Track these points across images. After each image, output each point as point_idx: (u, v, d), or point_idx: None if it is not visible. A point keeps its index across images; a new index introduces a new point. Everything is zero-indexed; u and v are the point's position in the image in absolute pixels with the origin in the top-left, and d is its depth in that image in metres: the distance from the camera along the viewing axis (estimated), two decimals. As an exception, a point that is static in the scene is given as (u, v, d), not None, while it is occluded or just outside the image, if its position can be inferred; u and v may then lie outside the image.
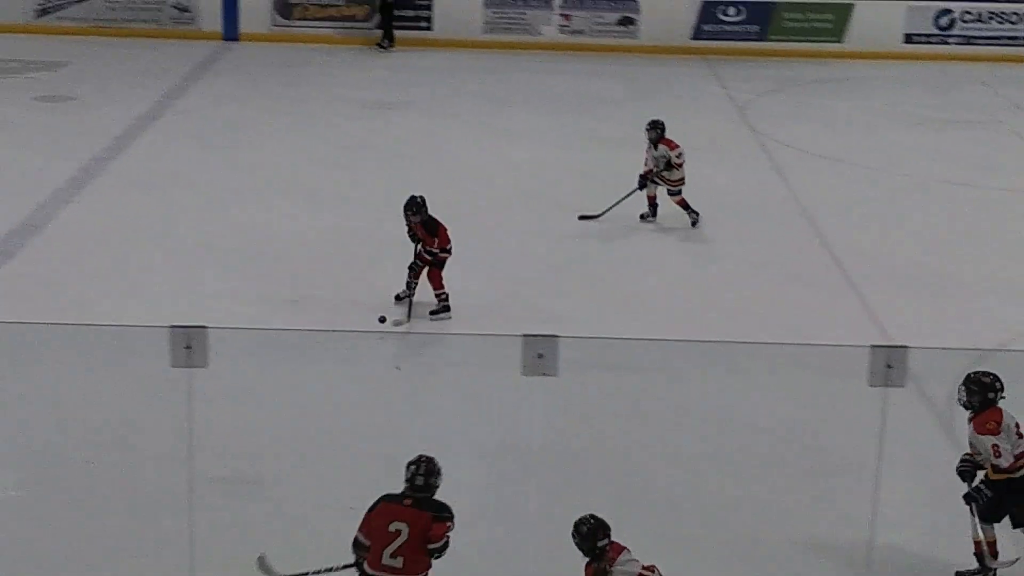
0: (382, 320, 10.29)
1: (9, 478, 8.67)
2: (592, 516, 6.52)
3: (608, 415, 9.39)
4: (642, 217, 13.61)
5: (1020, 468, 7.52)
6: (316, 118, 17.94)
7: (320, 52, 22.17)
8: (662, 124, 13.43)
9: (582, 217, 13.40)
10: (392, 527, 6.48)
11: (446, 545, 6.53)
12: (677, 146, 13.35)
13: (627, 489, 8.47)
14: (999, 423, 7.51)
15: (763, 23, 23.15)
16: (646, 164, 13.45)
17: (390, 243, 12.58)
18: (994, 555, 7.63)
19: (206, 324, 6.73)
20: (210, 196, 14.19)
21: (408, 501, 6.58)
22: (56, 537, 7.84)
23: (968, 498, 7.57)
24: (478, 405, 9.12)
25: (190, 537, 7.23)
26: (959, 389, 7.64)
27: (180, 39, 22.06)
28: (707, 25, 23.14)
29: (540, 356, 6.61)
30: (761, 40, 23.14)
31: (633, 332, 10.49)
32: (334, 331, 9.91)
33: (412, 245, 10.97)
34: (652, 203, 13.62)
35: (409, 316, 10.63)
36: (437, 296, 10.94)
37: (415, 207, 10.92)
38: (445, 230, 10.94)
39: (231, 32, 22.62)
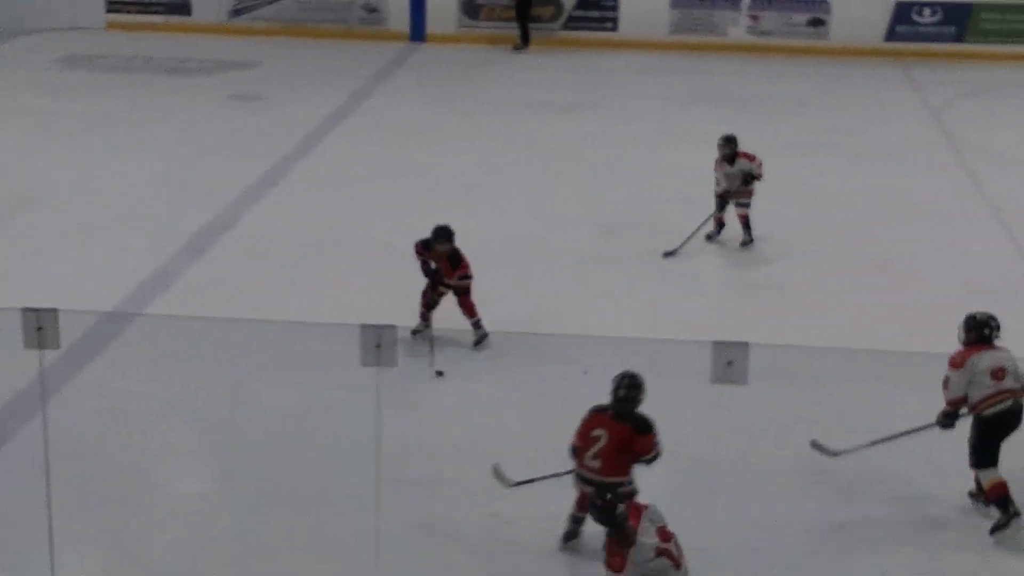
0: (440, 374, 9.75)
1: (203, 472, 8.83)
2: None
3: (795, 425, 9.14)
4: (708, 237, 12.76)
5: (986, 408, 7.87)
6: (500, 120, 17.97)
7: (506, 53, 22.24)
8: (735, 139, 12.70)
9: (666, 254, 12.39)
10: (594, 433, 7.38)
11: (658, 455, 7.37)
12: (756, 157, 12.68)
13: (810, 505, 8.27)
14: (965, 358, 7.94)
15: (960, 24, 22.44)
16: (718, 183, 12.67)
17: (568, 249, 12.57)
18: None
19: (394, 324, 6.74)
20: (394, 197, 14.29)
21: (610, 412, 7.40)
22: (243, 530, 7.96)
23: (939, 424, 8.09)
24: (664, 411, 8.96)
25: (376, 533, 7.26)
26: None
27: (368, 39, 22.35)
28: (901, 26, 22.52)
29: (730, 363, 6.47)
30: (958, 42, 22.44)
31: (818, 342, 10.22)
32: (514, 332, 9.87)
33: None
34: (721, 223, 12.84)
35: (432, 351, 10.05)
36: (474, 324, 10.36)
37: (447, 236, 10.29)
38: (466, 259, 10.41)
39: (418, 32, 22.83)
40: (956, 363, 7.96)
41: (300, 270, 12.15)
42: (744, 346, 6.43)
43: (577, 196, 14.39)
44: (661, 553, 6.57)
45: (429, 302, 10.44)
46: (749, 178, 12.57)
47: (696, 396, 7.49)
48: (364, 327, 6.84)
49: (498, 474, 7.95)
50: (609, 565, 6.59)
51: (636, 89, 19.88)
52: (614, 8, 22.89)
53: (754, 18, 22.79)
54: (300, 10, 23.29)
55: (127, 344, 10.34)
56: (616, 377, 7.43)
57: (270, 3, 23.24)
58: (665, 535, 6.64)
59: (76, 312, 9.05)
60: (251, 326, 10.04)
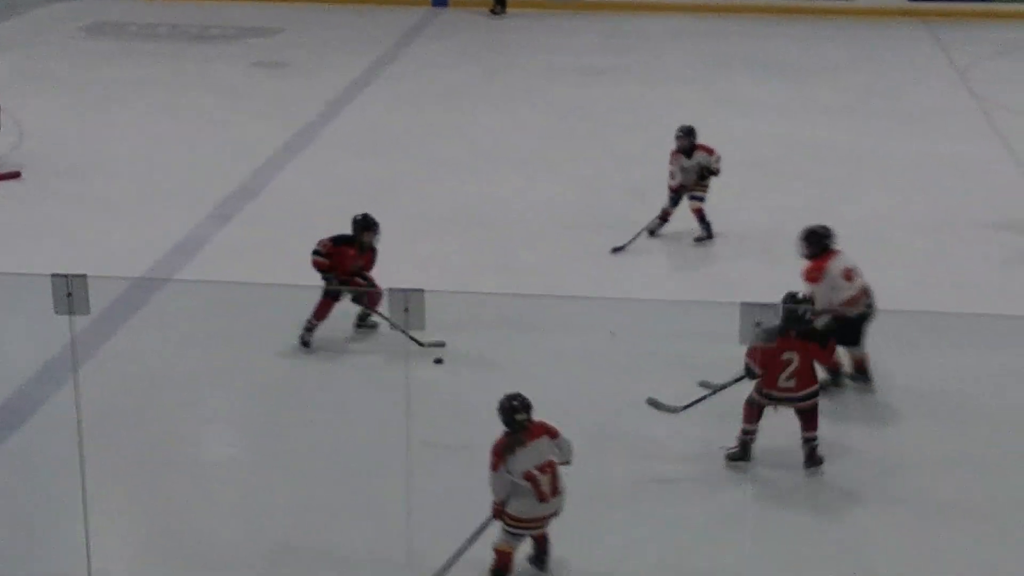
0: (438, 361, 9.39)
1: (233, 437, 8.88)
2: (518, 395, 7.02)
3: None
4: (651, 232, 11.96)
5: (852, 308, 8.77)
6: (526, 84, 17.92)
7: (531, 17, 22.15)
8: (694, 130, 11.80)
9: (615, 250, 11.73)
10: (784, 356, 7.83)
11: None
12: (714, 151, 11.80)
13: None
14: (821, 269, 8.81)
15: (986, -17, 22.27)
16: (673, 176, 11.79)
17: (601, 213, 12.55)
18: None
19: (422, 288, 6.75)
20: (420, 162, 14.29)
21: (794, 334, 7.81)
22: (274, 495, 8.00)
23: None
24: (692, 372, 8.99)
25: (407, 502, 7.28)
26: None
27: (391, 5, 22.30)
28: (927, -13, 22.37)
29: (758, 324, 6.46)
30: (985, 1, 22.24)
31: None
32: (547, 296, 9.87)
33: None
34: (665, 217, 11.96)
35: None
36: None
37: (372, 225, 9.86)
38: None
39: (441, -1, 22.78)
40: (814, 277, 8.85)
41: (327, 235, 12.13)
42: (773, 307, 6.41)
43: (609, 161, 14.35)
44: None
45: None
46: (706, 172, 11.80)
47: (725, 357, 7.49)
48: (392, 291, 6.85)
49: (657, 404, 8.30)
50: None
51: (666, 53, 19.77)
52: (642, -30, 22.77)
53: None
54: (323, -24, 23.22)
55: (156, 309, 10.38)
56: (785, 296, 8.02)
57: (293, -31, 23.20)
58: None
59: (105, 278, 9.14)
60: (278, 291, 10.07)
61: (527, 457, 6.89)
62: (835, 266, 8.91)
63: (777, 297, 7.99)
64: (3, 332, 10.07)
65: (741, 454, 8.14)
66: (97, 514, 7.25)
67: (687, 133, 11.82)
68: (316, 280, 9.79)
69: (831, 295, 8.83)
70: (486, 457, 6.92)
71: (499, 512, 6.99)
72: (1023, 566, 7.28)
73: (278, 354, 9.76)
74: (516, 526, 6.99)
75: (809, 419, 8.02)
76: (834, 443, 8.28)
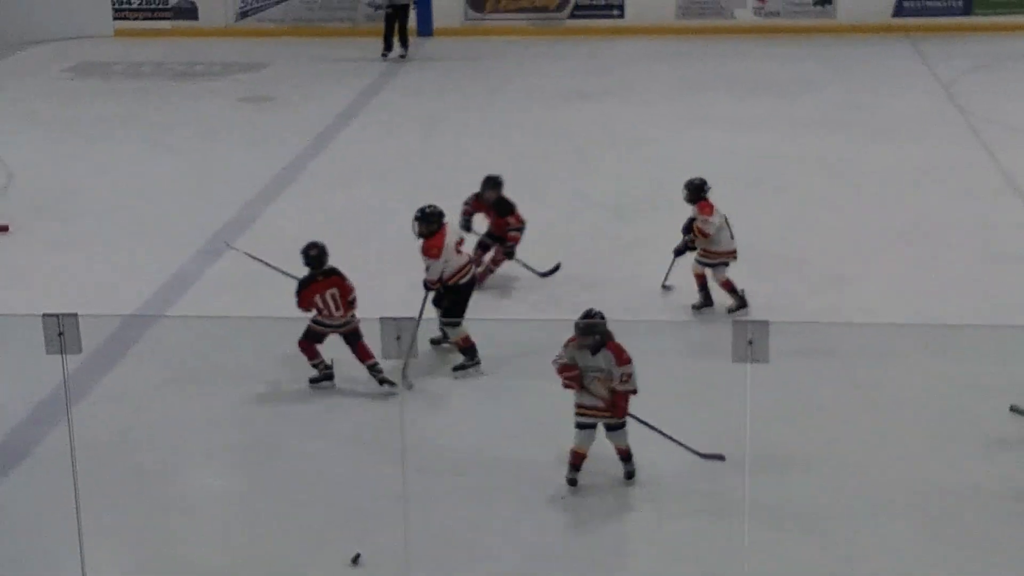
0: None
1: (228, 472, 8.87)
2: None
3: (819, 403, 9.16)
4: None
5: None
6: (511, 110, 17.98)
7: (513, 44, 22.22)
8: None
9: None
10: None
11: None
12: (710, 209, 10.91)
13: (838, 480, 8.27)
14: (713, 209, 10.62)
15: (967, -3, 22.40)
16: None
17: (590, 234, 12.59)
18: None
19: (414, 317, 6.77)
20: (408, 190, 14.28)
21: None
22: (269, 529, 7.99)
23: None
24: (686, 392, 9.00)
25: (404, 524, 7.29)
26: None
27: (375, 36, 22.33)
28: (908, 1, 22.45)
29: (750, 342, 6.46)
30: (966, 15, 22.36)
31: (840, 317, 10.26)
32: (535, 320, 9.89)
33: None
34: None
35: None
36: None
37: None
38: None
39: (425, 28, 22.83)
40: (707, 211, 10.65)
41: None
42: (764, 324, 6.42)
43: (593, 181, 14.40)
44: None
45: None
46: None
47: (718, 375, 7.47)
48: (384, 320, 6.85)
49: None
50: None
51: (648, 75, 19.81)
52: (620, -6, 22.90)
53: (761, 0, 22.74)
54: (306, 10, 23.34)
55: (149, 346, 10.40)
56: None
57: (276, 4, 23.29)
58: None
59: (96, 316, 9.14)
60: (272, 323, 10.07)
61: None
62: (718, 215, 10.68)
63: (767, 314, 8.03)
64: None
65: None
66: (93, 551, 7.23)
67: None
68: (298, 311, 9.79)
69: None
70: (481, 485, 6.92)
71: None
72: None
73: (271, 387, 9.77)
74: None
75: None
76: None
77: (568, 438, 8.15)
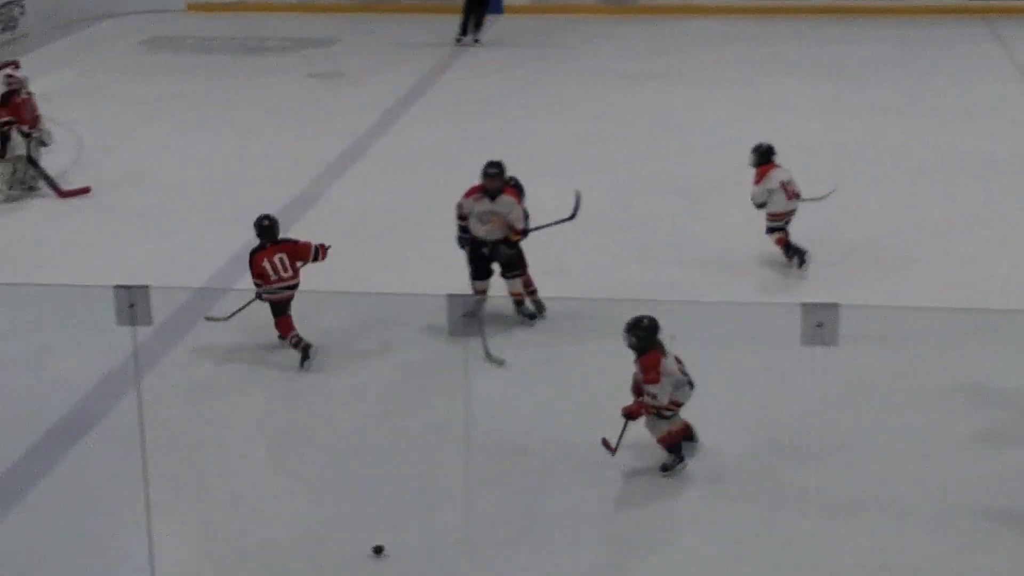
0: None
1: (295, 446, 8.91)
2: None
3: (886, 388, 9.07)
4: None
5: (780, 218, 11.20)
6: (578, 90, 17.91)
7: (582, 23, 22.12)
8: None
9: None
10: None
11: None
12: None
13: (901, 467, 8.20)
14: (764, 173, 10.91)
15: (1048, -24, 21.99)
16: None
17: (654, 215, 12.53)
18: None
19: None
20: (475, 170, 14.26)
21: None
22: (334, 504, 8.04)
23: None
24: (753, 374, 8.94)
25: (466, 506, 7.30)
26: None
27: (445, 13, 22.34)
28: (986, -18, 22.13)
29: (819, 325, 6.39)
30: (1050, -5, 21.99)
31: (911, 302, 10.15)
32: (599, 299, 9.86)
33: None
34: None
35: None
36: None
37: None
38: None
39: (495, 6, 22.77)
40: (756, 179, 11.02)
41: (383, 244, 12.22)
42: (834, 307, 6.35)
43: (657, 163, 14.32)
44: None
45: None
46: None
47: (786, 358, 7.42)
48: (450, 297, 6.85)
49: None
50: None
51: (716, 56, 19.67)
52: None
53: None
54: (377, -16, 23.39)
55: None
56: None
57: (347, -20, 23.37)
58: None
59: (167, 288, 9.22)
60: (335, 298, 10.12)
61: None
62: (777, 175, 11.00)
63: (834, 296, 7.96)
64: (64, 344, 10.17)
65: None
66: (159, 521, 7.30)
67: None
68: (371, 287, 9.82)
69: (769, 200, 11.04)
70: (540, 462, 6.90)
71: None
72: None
73: (335, 360, 9.81)
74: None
75: None
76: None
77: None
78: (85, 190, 13.68)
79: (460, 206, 10.23)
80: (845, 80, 17.94)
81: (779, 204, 11.08)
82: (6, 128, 13.39)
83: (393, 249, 12.09)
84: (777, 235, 11.22)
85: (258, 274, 9.81)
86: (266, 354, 9.91)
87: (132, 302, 6.95)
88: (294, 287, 9.82)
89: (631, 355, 8.00)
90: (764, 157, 11.16)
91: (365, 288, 10.57)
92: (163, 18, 22.68)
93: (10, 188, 13.53)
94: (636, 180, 13.78)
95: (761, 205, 11.09)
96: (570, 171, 14.06)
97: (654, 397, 7.87)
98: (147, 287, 7.02)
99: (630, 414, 7.91)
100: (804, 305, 6.31)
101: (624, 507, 7.93)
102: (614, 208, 12.83)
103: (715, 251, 11.72)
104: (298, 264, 9.86)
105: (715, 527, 7.66)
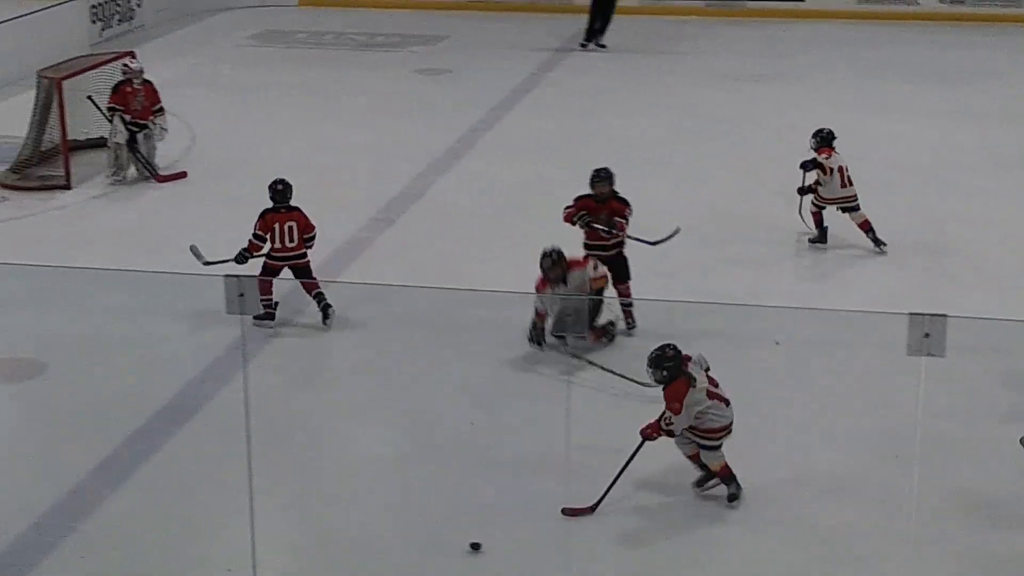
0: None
1: (395, 435, 9.00)
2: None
3: (987, 399, 8.95)
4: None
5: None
6: (685, 91, 17.85)
7: (690, 25, 22.03)
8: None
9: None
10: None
11: None
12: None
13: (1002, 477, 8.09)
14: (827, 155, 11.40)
15: None
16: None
17: (757, 219, 12.47)
18: None
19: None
20: (578, 168, 14.28)
21: None
22: (433, 493, 8.11)
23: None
24: (858, 382, 8.87)
25: (565, 500, 7.33)
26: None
27: (553, 12, 22.40)
28: (1105, -10, 21.68)
29: (927, 336, 6.33)
30: None
31: (1012, 313, 10.00)
32: (704, 303, 9.82)
33: None
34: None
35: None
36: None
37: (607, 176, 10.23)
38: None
39: (603, 6, 22.72)
40: (825, 153, 11.50)
41: (487, 239, 12.29)
42: (942, 319, 6.28)
43: (763, 166, 14.24)
44: None
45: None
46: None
47: (893, 368, 7.39)
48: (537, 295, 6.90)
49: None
50: None
51: (825, 61, 19.48)
52: (802, -22, 22.51)
53: (946, -16, 22.19)
54: (486, -17, 23.46)
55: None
56: None
57: (457, -23, 23.46)
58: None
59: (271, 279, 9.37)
60: (437, 294, 10.20)
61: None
62: (835, 160, 11.48)
63: (940, 307, 7.87)
64: (173, 331, 10.37)
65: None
66: (262, 505, 7.42)
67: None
68: (477, 283, 9.87)
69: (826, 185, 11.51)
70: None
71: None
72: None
73: (437, 354, 9.89)
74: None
75: None
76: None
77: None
78: (182, 174, 13.98)
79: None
80: (957, 86, 17.69)
81: (834, 189, 11.46)
82: (111, 115, 13.72)
83: (497, 243, 12.15)
84: (814, 209, 11.68)
85: (265, 231, 10.30)
86: (370, 345, 10.03)
87: (241, 291, 7.08)
88: (298, 257, 10.33)
89: (740, 362, 7.89)
90: (825, 142, 11.63)
91: (466, 283, 10.62)
92: (275, 12, 22.98)
93: (114, 174, 13.84)
94: (738, 181, 13.71)
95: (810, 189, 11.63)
96: (673, 171, 14.09)
97: (669, 423, 7.72)
98: (255, 277, 7.16)
99: (647, 436, 7.76)
100: (912, 315, 6.25)
101: (709, 519, 7.92)
102: (716, 209, 12.80)
103: (817, 257, 11.63)
104: (304, 237, 10.36)
105: (817, 531, 7.62)
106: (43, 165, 14.15)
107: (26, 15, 19.25)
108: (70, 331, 10.20)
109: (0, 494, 8.15)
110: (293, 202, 10.49)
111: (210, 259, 10.21)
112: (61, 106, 13.75)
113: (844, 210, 11.63)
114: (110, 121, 13.84)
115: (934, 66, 18.92)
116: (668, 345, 7.75)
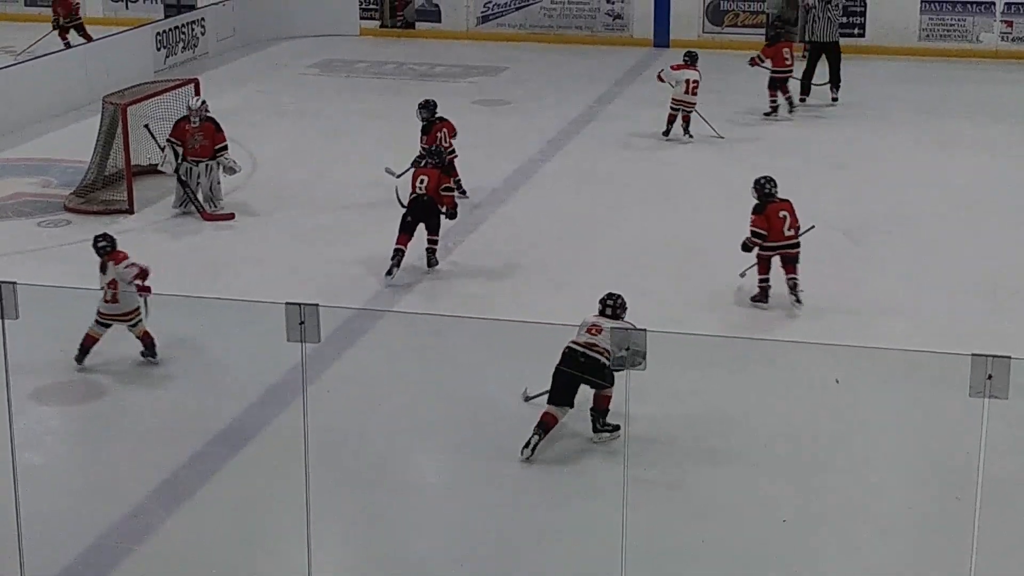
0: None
1: (452, 462, 9.02)
2: None
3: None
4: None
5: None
6: (745, 124, 17.83)
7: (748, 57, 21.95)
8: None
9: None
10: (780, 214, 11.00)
11: None
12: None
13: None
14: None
15: None
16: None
17: (820, 256, 12.41)
18: None
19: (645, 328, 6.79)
20: (635, 198, 14.37)
21: None
22: (488, 519, 8.13)
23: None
24: (919, 422, 8.81)
25: (623, 526, 7.31)
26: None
27: (612, 45, 22.45)
28: None
29: (990, 377, 6.28)
30: None
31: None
32: (764, 340, 9.81)
33: None
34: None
35: None
36: None
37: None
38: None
39: (662, 39, 22.84)
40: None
41: (544, 268, 12.32)
42: (1005, 360, 6.23)
43: (830, 202, 14.20)
44: None
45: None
46: None
47: (954, 409, 7.31)
48: (614, 330, 6.91)
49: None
50: None
51: (887, 96, 19.39)
52: (862, 14, 22.44)
53: (1008, 24, 22.02)
54: (545, 17, 23.58)
55: (378, 337, 10.66)
56: None
57: (516, 10, 23.58)
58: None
59: (336, 307, 9.43)
60: (493, 325, 10.23)
61: None
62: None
63: (1005, 347, 7.81)
64: (233, 356, 10.46)
65: (762, 297, 11.09)
66: (319, 529, 7.46)
67: None
68: (537, 316, 9.88)
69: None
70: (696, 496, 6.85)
71: None
72: None
73: (498, 384, 9.91)
74: None
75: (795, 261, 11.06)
76: None
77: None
78: (229, 216, 13.95)
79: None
80: (1019, 123, 17.57)
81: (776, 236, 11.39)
82: (166, 144, 13.89)
83: (553, 273, 12.18)
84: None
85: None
86: (429, 372, 10.06)
87: (302, 319, 7.13)
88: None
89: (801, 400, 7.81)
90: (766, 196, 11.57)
91: (525, 314, 10.64)
92: (336, 42, 23.18)
93: (180, 204, 13.98)
94: (801, 217, 13.65)
95: None
96: (743, 203, 14.05)
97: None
98: (316, 305, 7.20)
99: None
100: (974, 356, 6.20)
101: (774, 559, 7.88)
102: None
103: (880, 294, 11.57)
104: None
105: (878, 571, 7.57)
106: (107, 189, 14.36)
107: (93, 42, 19.58)
108: (132, 354, 10.30)
109: (62, 514, 8.25)
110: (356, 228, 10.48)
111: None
112: (125, 132, 13.95)
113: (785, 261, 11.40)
114: (162, 150, 14.00)
115: (996, 103, 18.79)
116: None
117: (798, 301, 11.09)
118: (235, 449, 9.09)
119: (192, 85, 15.00)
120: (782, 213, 11.32)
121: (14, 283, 7.10)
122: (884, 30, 22.32)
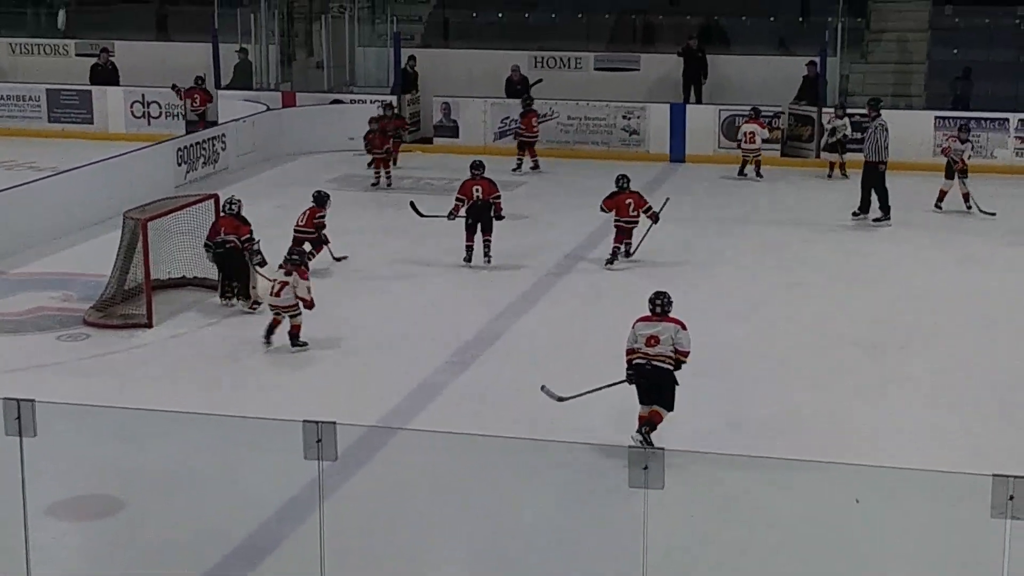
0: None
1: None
2: None
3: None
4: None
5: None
6: (768, 239, 17.91)
7: (765, 172, 22.12)
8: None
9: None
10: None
11: None
12: None
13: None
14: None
15: None
16: None
17: (836, 371, 12.40)
18: None
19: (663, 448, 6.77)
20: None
21: None
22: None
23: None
24: (936, 544, 8.70)
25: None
26: None
27: (629, 160, 22.66)
28: None
29: (1012, 498, 6.25)
30: None
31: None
32: (779, 458, 9.74)
33: None
34: None
35: None
36: None
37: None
38: None
39: (678, 154, 23.08)
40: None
41: (562, 383, 12.27)
42: (1026, 480, 6.20)
43: (847, 317, 14.22)
44: None
45: None
46: None
47: (976, 530, 7.25)
48: (631, 449, 6.88)
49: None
50: None
51: (906, 210, 19.50)
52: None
53: (1022, 140, 22.19)
54: (563, 132, 23.84)
55: (395, 453, 10.62)
56: None
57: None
58: None
59: (349, 425, 9.40)
60: (514, 443, 10.18)
61: None
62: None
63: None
64: (249, 472, 10.42)
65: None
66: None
67: None
68: (555, 431, 9.84)
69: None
70: None
71: None
72: None
73: (515, 498, 9.84)
74: None
75: None
76: None
77: None
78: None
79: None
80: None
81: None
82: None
83: (573, 385, 12.14)
84: None
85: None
86: (445, 489, 10.00)
87: (319, 437, 7.15)
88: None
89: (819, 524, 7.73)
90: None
91: (544, 432, 10.59)
92: (353, 157, 23.40)
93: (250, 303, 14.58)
94: (817, 332, 13.67)
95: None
96: (758, 314, 14.09)
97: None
98: (334, 423, 7.21)
99: None
100: (996, 477, 6.17)
101: None
102: (790, 361, 12.75)
103: (898, 410, 11.52)
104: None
105: None
106: (126, 303, 14.44)
107: (115, 157, 19.83)
108: (149, 469, 10.28)
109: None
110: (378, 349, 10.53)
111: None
112: (145, 246, 14.07)
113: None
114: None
115: (1012, 220, 18.85)
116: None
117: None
118: (252, 565, 9.02)
119: (212, 200, 15.15)
120: None
121: (32, 400, 7.12)
122: (900, 145, 22.45)
